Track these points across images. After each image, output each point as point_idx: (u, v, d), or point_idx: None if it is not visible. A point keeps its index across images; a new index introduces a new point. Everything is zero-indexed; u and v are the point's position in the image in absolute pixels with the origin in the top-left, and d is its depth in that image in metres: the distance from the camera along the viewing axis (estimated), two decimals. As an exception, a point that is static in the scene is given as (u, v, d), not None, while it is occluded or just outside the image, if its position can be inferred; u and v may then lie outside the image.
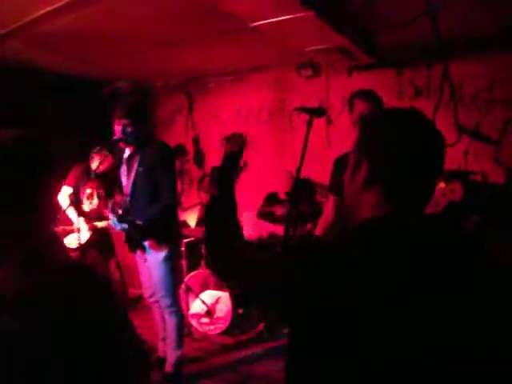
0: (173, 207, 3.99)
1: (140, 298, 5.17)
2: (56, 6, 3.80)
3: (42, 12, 3.96)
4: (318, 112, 3.25)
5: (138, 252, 3.98)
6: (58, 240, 1.45)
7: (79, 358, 1.22)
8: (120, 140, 3.75)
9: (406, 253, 1.09)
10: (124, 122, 3.70)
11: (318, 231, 3.77)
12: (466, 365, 1.04)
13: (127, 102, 3.88)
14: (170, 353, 4.02)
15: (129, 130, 3.71)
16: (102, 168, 4.88)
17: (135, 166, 3.81)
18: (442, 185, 2.70)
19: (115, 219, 3.77)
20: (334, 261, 1.12)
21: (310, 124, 3.14)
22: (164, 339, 4.16)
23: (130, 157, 3.88)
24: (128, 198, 3.87)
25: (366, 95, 3.41)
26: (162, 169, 3.79)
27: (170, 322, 3.98)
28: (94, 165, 4.89)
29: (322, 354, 1.11)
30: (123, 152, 3.96)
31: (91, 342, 1.23)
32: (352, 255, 1.11)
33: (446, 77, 3.53)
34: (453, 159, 4.65)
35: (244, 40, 4.67)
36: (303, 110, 3.38)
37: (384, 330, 1.05)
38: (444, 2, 3.31)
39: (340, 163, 3.62)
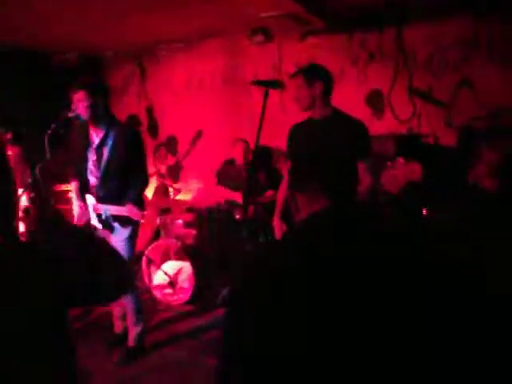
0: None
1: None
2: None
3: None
4: (274, 84, 3.28)
5: (100, 230, 3.97)
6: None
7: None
8: (76, 117, 3.67)
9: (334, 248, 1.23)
10: (79, 96, 3.61)
11: (279, 198, 3.83)
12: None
13: (81, 76, 3.80)
14: (130, 329, 4.04)
15: (85, 104, 3.61)
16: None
17: (106, 152, 3.77)
18: (400, 162, 2.78)
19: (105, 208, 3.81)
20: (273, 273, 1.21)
21: (265, 96, 3.17)
22: (120, 317, 4.18)
23: (101, 143, 3.80)
24: (97, 181, 3.86)
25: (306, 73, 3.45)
26: (135, 157, 3.83)
27: (127, 299, 3.98)
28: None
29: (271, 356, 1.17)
30: (87, 132, 3.86)
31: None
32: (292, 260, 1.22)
33: (399, 43, 3.59)
34: (405, 122, 4.75)
35: (194, 6, 4.59)
36: (259, 83, 3.41)
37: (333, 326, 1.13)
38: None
39: (296, 130, 3.67)
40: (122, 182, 3.80)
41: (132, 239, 3.93)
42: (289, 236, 1.49)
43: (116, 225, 3.87)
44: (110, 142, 3.76)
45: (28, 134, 3.58)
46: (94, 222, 3.93)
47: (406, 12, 4.38)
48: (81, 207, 3.98)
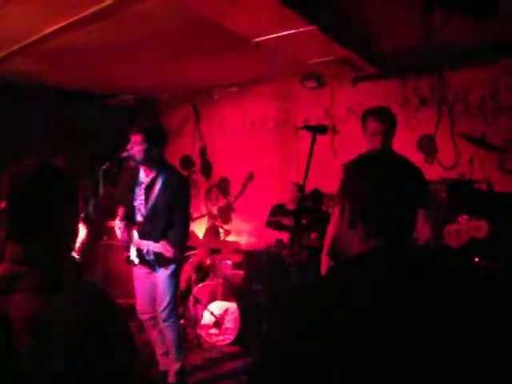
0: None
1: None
2: (63, 24, 3.88)
3: (48, 30, 4.04)
4: (321, 130, 3.32)
5: (140, 266, 4.04)
6: (71, 264, 1.49)
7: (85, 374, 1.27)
8: (129, 157, 3.81)
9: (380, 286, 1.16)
10: (136, 139, 3.75)
11: (328, 235, 3.80)
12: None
13: (143, 120, 3.95)
14: (171, 365, 4.07)
15: (140, 147, 3.75)
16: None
17: (155, 193, 3.89)
18: (465, 218, 2.74)
19: (150, 242, 3.88)
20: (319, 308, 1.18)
21: (313, 142, 3.20)
22: (164, 354, 4.18)
23: (151, 183, 3.92)
24: (143, 220, 3.97)
25: (379, 115, 3.39)
26: (182, 200, 3.94)
27: (168, 335, 4.02)
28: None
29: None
30: (138, 172, 4.01)
31: (95, 364, 1.28)
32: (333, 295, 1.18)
33: (441, 88, 3.58)
34: (458, 168, 4.67)
35: (247, 53, 4.72)
36: (307, 128, 3.44)
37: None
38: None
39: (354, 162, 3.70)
40: (165, 223, 3.89)
41: (174, 278, 3.99)
42: (332, 271, 1.45)
43: (156, 264, 3.96)
44: (159, 184, 3.89)
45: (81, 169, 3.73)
46: (133, 257, 4.02)
47: (451, 57, 4.35)
48: (121, 228, 4.07)
